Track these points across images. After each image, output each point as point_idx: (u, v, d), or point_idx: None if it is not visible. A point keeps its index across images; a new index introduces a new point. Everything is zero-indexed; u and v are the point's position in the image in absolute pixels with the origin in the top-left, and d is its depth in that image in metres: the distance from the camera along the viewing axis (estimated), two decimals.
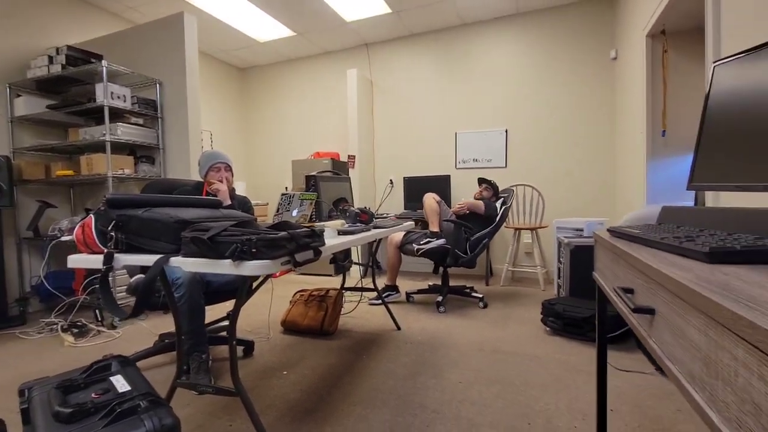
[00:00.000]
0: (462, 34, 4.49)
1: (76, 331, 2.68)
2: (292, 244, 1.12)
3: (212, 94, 5.13)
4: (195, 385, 1.36)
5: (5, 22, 3.16)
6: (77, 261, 1.22)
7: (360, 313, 3.07)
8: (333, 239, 1.58)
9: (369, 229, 1.97)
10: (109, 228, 1.16)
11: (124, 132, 2.94)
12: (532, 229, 3.82)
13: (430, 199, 3.19)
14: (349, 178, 2.88)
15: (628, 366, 2.01)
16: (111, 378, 1.04)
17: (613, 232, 0.97)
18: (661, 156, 2.86)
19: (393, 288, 3.39)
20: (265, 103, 5.59)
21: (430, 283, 3.72)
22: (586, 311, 2.38)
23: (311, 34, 4.60)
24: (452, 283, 3.42)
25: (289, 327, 2.66)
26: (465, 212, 3.18)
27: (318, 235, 1.26)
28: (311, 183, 2.47)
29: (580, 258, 2.77)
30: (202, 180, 2.24)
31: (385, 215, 3.94)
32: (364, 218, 1.95)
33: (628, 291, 0.70)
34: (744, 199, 1.57)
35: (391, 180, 4.90)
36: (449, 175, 4.44)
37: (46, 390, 0.99)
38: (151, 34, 3.23)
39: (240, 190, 3.29)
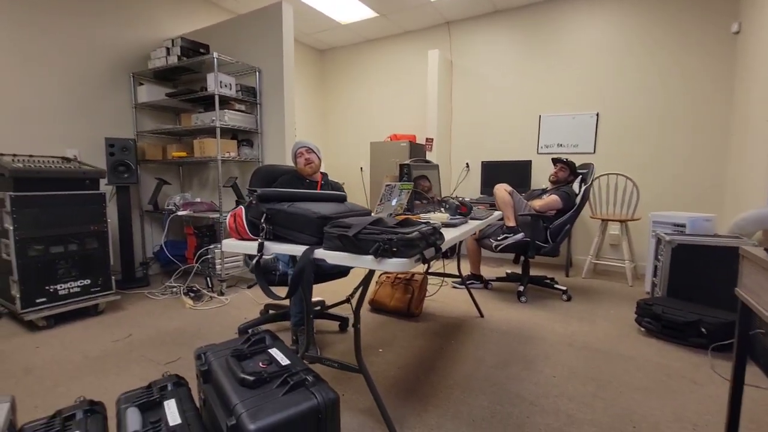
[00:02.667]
0: (551, 9, 4.21)
1: (192, 295, 3.07)
2: (423, 243, 1.21)
3: (295, 78, 5.34)
4: (322, 359, 1.53)
5: (127, 13, 3.54)
6: (232, 246, 1.41)
7: (441, 297, 3.16)
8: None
9: (467, 221, 2.02)
10: (262, 220, 1.32)
11: (231, 118, 3.21)
12: (621, 221, 3.62)
13: (502, 191, 3.03)
14: (438, 165, 2.91)
15: None
16: (269, 350, 1.22)
17: None
18: None
19: (477, 277, 3.42)
20: (343, 84, 5.71)
21: (508, 271, 3.71)
22: (690, 315, 2.25)
23: (394, 15, 4.58)
24: (531, 272, 3.37)
25: (376, 306, 2.82)
26: (550, 215, 3.07)
27: (440, 233, 1.33)
28: (404, 171, 2.55)
29: (683, 257, 2.59)
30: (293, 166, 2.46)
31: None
32: (464, 210, 1.99)
33: None
34: None
35: (467, 163, 4.84)
36: (530, 161, 4.29)
37: (222, 356, 1.18)
38: (251, 23, 3.43)
39: None
